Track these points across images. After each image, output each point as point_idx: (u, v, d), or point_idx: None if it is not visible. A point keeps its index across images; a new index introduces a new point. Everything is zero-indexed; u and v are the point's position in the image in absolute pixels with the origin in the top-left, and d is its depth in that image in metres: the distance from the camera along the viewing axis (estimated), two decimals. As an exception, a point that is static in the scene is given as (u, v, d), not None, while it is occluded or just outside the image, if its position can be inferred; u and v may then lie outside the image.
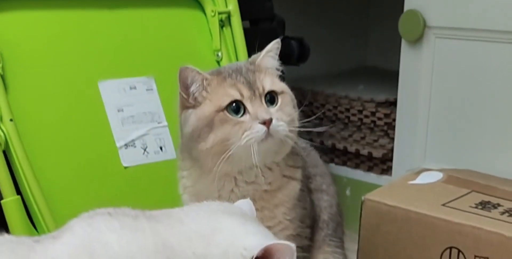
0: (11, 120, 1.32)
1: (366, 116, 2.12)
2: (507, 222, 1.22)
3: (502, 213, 1.26)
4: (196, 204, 0.95)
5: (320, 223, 1.25)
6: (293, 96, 1.17)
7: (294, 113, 1.15)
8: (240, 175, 1.14)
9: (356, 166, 2.16)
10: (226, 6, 1.68)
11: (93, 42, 1.51)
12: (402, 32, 1.75)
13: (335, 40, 2.56)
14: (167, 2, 1.65)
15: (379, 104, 2.09)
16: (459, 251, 1.23)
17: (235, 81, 1.11)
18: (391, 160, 1.92)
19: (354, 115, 2.15)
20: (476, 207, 1.29)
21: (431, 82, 1.72)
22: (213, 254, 0.81)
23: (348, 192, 2.14)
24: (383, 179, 2.03)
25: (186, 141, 1.15)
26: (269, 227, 1.13)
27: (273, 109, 1.11)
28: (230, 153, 1.08)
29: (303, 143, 1.22)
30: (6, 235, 0.86)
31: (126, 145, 1.49)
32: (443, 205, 1.31)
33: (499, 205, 1.31)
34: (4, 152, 1.31)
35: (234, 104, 1.09)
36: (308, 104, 2.18)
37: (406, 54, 1.76)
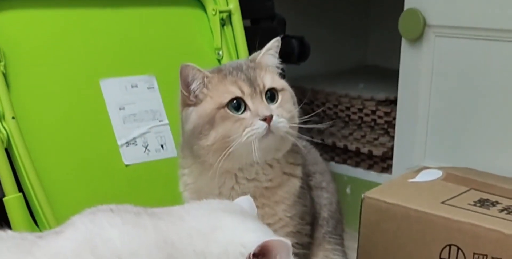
0: (13, 118, 1.33)
1: (367, 115, 2.12)
2: (506, 219, 1.23)
3: (501, 211, 1.27)
4: (197, 202, 0.96)
5: (320, 221, 1.26)
6: (293, 93, 1.18)
7: (294, 109, 1.16)
8: (240, 172, 1.15)
9: (357, 165, 2.17)
10: (227, 5, 1.68)
11: (95, 41, 1.52)
12: (402, 31, 1.75)
13: (335, 39, 2.56)
14: (168, 1, 1.65)
15: (379, 103, 2.10)
16: (458, 248, 1.24)
17: (235, 78, 1.12)
18: (391, 158, 1.93)
19: (354, 113, 2.15)
20: (475, 205, 1.30)
21: (431, 80, 1.73)
22: (213, 251, 0.82)
23: (348, 191, 2.14)
24: (383, 177, 2.04)
25: (187, 138, 1.16)
26: (269, 224, 1.14)
27: (273, 106, 1.12)
28: (231, 149, 1.08)
29: (303, 141, 1.22)
30: (9, 231, 0.86)
31: (127, 143, 1.50)
32: (442, 202, 1.31)
33: (497, 202, 1.31)
34: (6, 149, 1.31)
35: (235, 101, 1.10)
36: (308, 103, 2.19)
37: (406, 53, 1.77)
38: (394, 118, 1.89)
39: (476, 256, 1.22)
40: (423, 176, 1.46)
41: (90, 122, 1.47)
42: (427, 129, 1.76)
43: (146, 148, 1.52)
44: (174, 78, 1.14)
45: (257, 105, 1.10)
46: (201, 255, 0.82)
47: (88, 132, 1.46)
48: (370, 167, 2.13)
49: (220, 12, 1.66)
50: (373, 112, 2.10)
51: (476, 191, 1.38)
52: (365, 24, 2.67)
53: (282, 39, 1.20)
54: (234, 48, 1.67)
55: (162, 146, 1.54)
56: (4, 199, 1.30)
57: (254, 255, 0.80)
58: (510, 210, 1.27)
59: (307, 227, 1.21)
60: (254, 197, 1.12)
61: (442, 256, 1.26)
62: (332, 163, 2.21)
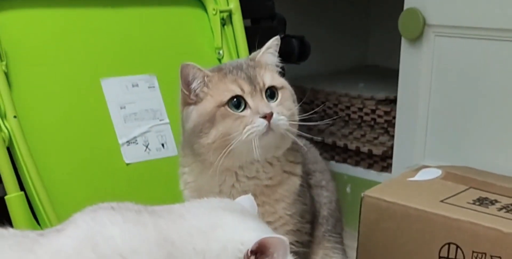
0: (15, 117, 1.33)
1: (366, 114, 2.13)
2: (505, 218, 1.23)
3: (500, 209, 1.27)
4: (197, 200, 0.96)
5: (320, 219, 1.26)
6: (293, 91, 1.19)
7: (294, 107, 1.16)
8: (241, 170, 1.15)
9: (357, 164, 2.17)
10: (228, 4, 1.69)
11: (96, 40, 1.52)
12: (402, 31, 1.75)
13: (335, 38, 2.56)
14: (169, 1, 1.66)
15: (379, 102, 2.10)
16: (457, 246, 1.24)
17: (235, 77, 1.13)
18: (391, 157, 1.93)
19: (354, 112, 2.16)
20: (474, 203, 1.30)
21: (431, 80, 1.73)
22: (212, 249, 0.82)
23: (348, 190, 2.15)
24: (383, 176, 2.04)
25: (188, 137, 1.16)
26: (269, 223, 1.15)
27: (273, 104, 1.13)
28: (231, 147, 1.09)
29: (302, 140, 1.23)
30: (10, 229, 0.87)
31: (128, 142, 1.51)
32: (442, 201, 1.32)
33: (496, 201, 1.32)
34: (8, 148, 1.32)
35: (235, 99, 1.11)
36: (309, 102, 2.19)
37: (406, 52, 1.77)
38: (394, 117, 1.89)
39: (475, 254, 1.22)
40: (423, 175, 1.47)
41: (91, 121, 1.48)
42: (427, 128, 1.76)
43: (147, 147, 1.53)
44: (175, 78, 1.14)
45: (257, 103, 1.11)
46: (201, 253, 0.82)
47: (89, 131, 1.47)
48: (370, 166, 2.14)
49: (221, 11, 1.67)
50: (373, 111, 2.11)
51: (475, 189, 1.38)
52: (365, 24, 2.67)
53: (282, 38, 1.20)
54: (234, 47, 1.68)
55: (162, 145, 1.55)
56: (5, 197, 1.31)
57: (252, 252, 0.81)
58: (509, 209, 1.28)
59: (307, 226, 1.22)
60: (255, 195, 1.13)
61: (441, 254, 1.26)
62: (332, 162, 2.21)
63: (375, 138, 2.12)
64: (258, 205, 1.00)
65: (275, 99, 1.14)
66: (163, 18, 1.64)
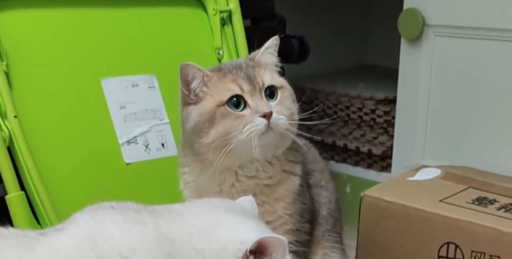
0: (15, 116, 1.34)
1: (366, 114, 2.13)
2: (504, 217, 1.24)
3: (499, 209, 1.28)
4: (198, 200, 0.96)
5: (320, 219, 1.27)
6: (292, 91, 1.19)
7: (294, 107, 1.17)
8: (241, 170, 1.15)
9: (356, 164, 2.17)
10: (228, 4, 1.69)
11: (96, 40, 1.53)
12: (402, 31, 1.75)
13: (335, 38, 2.57)
14: (169, 1, 1.66)
15: (379, 102, 2.10)
16: (456, 246, 1.25)
17: (235, 77, 1.13)
18: (390, 157, 1.93)
19: (354, 112, 2.16)
20: (473, 203, 1.31)
21: (430, 80, 1.73)
22: (212, 248, 0.83)
23: (348, 189, 2.15)
24: (382, 176, 2.04)
25: (188, 136, 1.16)
26: (269, 222, 1.15)
27: (273, 103, 1.13)
28: (231, 146, 1.09)
29: (302, 140, 1.23)
30: (11, 229, 0.87)
31: (128, 142, 1.51)
32: (441, 201, 1.32)
33: (495, 201, 1.32)
34: (8, 148, 1.32)
35: (234, 99, 1.11)
36: (308, 102, 2.20)
37: (406, 52, 1.77)
38: (394, 117, 1.90)
39: (474, 253, 1.22)
40: (422, 175, 1.47)
41: (91, 121, 1.48)
42: (426, 128, 1.76)
43: (146, 146, 1.53)
44: (175, 78, 1.15)
45: (257, 102, 1.11)
46: (201, 252, 0.83)
47: (89, 130, 1.47)
48: (369, 166, 2.14)
49: (221, 12, 1.67)
50: (373, 111, 2.11)
51: (474, 189, 1.39)
52: (365, 24, 2.67)
53: (282, 38, 1.21)
54: (234, 47, 1.68)
55: (162, 145, 1.55)
56: (6, 197, 1.31)
57: (251, 251, 0.81)
58: (508, 208, 1.28)
59: (307, 225, 1.22)
60: (254, 195, 1.13)
61: (440, 254, 1.27)
62: (332, 162, 2.22)
63: (375, 138, 2.12)
64: (257, 204, 1.00)
65: (274, 98, 1.14)
66: (163, 18, 1.64)
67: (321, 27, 2.49)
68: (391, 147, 1.96)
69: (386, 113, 2.08)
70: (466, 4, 1.63)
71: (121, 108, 1.52)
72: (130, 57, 1.57)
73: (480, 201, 1.32)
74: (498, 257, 1.19)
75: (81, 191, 1.42)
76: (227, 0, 1.69)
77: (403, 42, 1.77)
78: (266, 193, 1.18)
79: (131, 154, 1.51)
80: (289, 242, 1.17)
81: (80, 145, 1.45)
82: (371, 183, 1.68)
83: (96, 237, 0.81)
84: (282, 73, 1.21)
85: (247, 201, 0.97)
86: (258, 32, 1.66)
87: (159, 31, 1.63)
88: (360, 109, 2.14)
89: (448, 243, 1.26)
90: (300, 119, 1.18)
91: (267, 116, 1.09)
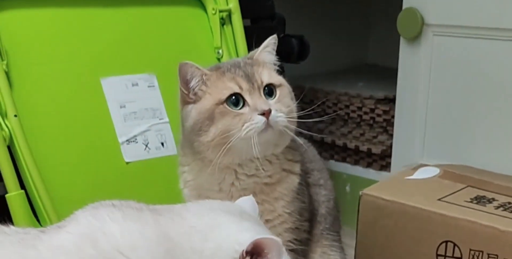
0: (15, 116, 1.34)
1: (366, 113, 2.13)
2: (502, 216, 1.24)
3: (497, 208, 1.28)
4: (198, 201, 0.97)
5: (318, 217, 1.27)
6: (291, 89, 1.19)
7: (293, 104, 1.17)
8: (240, 168, 1.16)
9: (356, 162, 2.18)
10: (227, 4, 1.69)
11: (95, 40, 1.53)
12: (401, 30, 1.75)
13: (335, 38, 2.57)
14: (169, 0, 1.67)
15: (378, 101, 2.11)
16: (454, 244, 1.25)
17: (233, 75, 1.13)
18: (390, 156, 1.93)
19: (353, 111, 2.17)
20: (471, 202, 1.31)
21: (429, 79, 1.74)
22: (209, 248, 0.83)
23: (348, 188, 2.15)
24: (382, 175, 2.05)
25: (188, 135, 1.17)
26: (268, 221, 1.16)
27: (271, 101, 1.14)
28: (230, 144, 1.10)
29: (301, 139, 1.24)
30: (12, 227, 0.88)
31: (128, 141, 1.52)
32: (439, 199, 1.32)
33: (494, 199, 1.32)
34: (8, 147, 1.33)
35: (233, 97, 1.12)
36: (308, 102, 2.20)
37: (405, 52, 1.77)
38: (393, 116, 1.90)
39: (472, 252, 1.23)
40: (420, 174, 1.48)
41: (91, 120, 1.48)
42: (426, 127, 1.76)
43: (146, 145, 1.54)
44: (174, 77, 1.15)
45: (256, 100, 1.11)
46: (198, 251, 0.83)
47: (89, 130, 1.48)
48: (369, 165, 2.15)
49: (220, 11, 1.68)
50: (372, 110, 2.12)
51: (472, 188, 1.39)
52: (365, 23, 2.68)
53: (282, 38, 1.21)
54: (233, 47, 1.68)
55: (162, 144, 1.56)
56: (6, 196, 1.32)
57: (247, 252, 0.82)
58: (506, 207, 1.28)
59: (306, 224, 1.23)
60: (254, 193, 1.14)
61: (438, 252, 1.27)
62: (332, 161, 2.22)
63: (374, 137, 2.13)
64: (257, 203, 1.00)
65: (273, 96, 1.15)
66: (162, 17, 1.65)
67: (321, 26, 2.49)
68: (390, 146, 1.96)
69: (385, 112, 2.08)
70: (465, 4, 1.63)
71: (121, 107, 1.52)
72: (130, 56, 1.58)
73: (479, 200, 1.32)
74: (496, 255, 1.20)
75: (81, 190, 1.43)
76: (226, -1, 1.70)
77: (402, 42, 1.77)
78: (265, 191, 1.18)
79: (131, 153, 1.51)
80: (288, 241, 1.19)
81: (80, 144, 1.46)
82: (370, 182, 1.69)
83: (96, 234, 0.82)
84: (280, 72, 1.21)
85: (247, 201, 0.97)
86: (257, 31, 1.66)
87: (159, 31, 1.63)
88: (359, 108, 2.15)
89: (446, 242, 1.26)
90: (300, 118, 1.18)
91: (266, 114, 1.10)
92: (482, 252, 1.22)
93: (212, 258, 0.83)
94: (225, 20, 1.69)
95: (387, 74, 2.07)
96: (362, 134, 2.16)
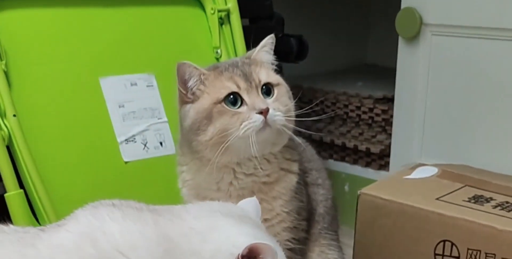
0: (14, 115, 1.34)
1: (364, 112, 2.14)
2: (499, 215, 1.24)
3: (495, 207, 1.28)
4: (199, 203, 0.98)
5: (316, 217, 1.27)
6: (289, 88, 1.20)
7: (290, 103, 1.17)
8: (238, 167, 1.16)
9: (354, 162, 2.18)
10: (226, 4, 1.70)
11: (94, 39, 1.53)
12: (399, 30, 1.76)
13: (334, 37, 2.57)
14: (167, 0, 1.67)
15: (377, 101, 2.11)
16: (452, 244, 1.25)
17: (231, 74, 1.14)
18: (388, 155, 1.94)
19: (352, 111, 2.17)
20: (469, 201, 1.31)
21: (428, 78, 1.74)
22: (207, 249, 0.84)
23: (346, 188, 2.16)
24: (381, 175, 2.05)
25: (186, 135, 1.17)
26: (267, 220, 1.16)
27: (269, 100, 1.14)
28: (228, 143, 1.10)
29: (300, 139, 1.24)
30: (11, 226, 0.88)
31: (126, 140, 1.52)
32: (437, 199, 1.32)
33: (491, 199, 1.33)
34: (7, 147, 1.33)
35: (231, 96, 1.12)
36: (307, 101, 2.20)
37: (403, 51, 1.78)
38: (392, 116, 1.90)
39: (470, 251, 1.23)
40: (419, 173, 1.48)
41: (90, 119, 1.49)
42: (424, 126, 1.77)
43: (145, 145, 1.54)
44: (173, 77, 1.15)
45: (253, 99, 1.12)
46: (196, 252, 0.84)
47: (88, 129, 1.48)
48: (368, 165, 2.15)
49: (219, 11, 1.68)
50: (371, 110, 2.12)
51: (470, 187, 1.39)
52: (364, 23, 2.68)
53: (280, 38, 1.22)
54: (232, 46, 1.68)
55: (161, 143, 1.56)
56: (5, 195, 1.32)
57: (243, 256, 0.82)
58: (503, 206, 1.29)
59: (304, 223, 1.23)
60: (252, 192, 1.15)
61: (436, 252, 1.27)
62: (331, 160, 2.23)
63: (373, 137, 2.13)
64: (256, 202, 1.01)
65: (271, 95, 1.15)
66: (161, 17, 1.65)
67: (320, 26, 2.49)
68: (389, 146, 1.96)
69: (384, 111, 2.08)
70: (463, 3, 1.63)
71: (119, 107, 1.53)
72: (128, 56, 1.58)
73: (477, 199, 1.33)
74: (494, 254, 1.20)
75: (80, 190, 1.43)
76: (225, -1, 1.70)
77: (400, 41, 1.78)
78: (264, 191, 1.18)
79: (129, 153, 1.51)
80: (286, 240, 1.19)
81: (79, 144, 1.46)
82: (369, 182, 1.69)
83: (96, 233, 0.82)
84: (278, 71, 1.21)
85: (250, 202, 0.97)
86: (256, 31, 1.66)
87: (158, 30, 1.64)
88: (358, 108, 2.15)
89: (444, 241, 1.26)
90: (299, 117, 1.19)
91: (264, 112, 1.10)
92: (480, 251, 1.22)
93: None
94: (224, 20, 1.69)
95: (386, 74, 2.07)
96: (361, 134, 2.16)
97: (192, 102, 1.15)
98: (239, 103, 1.12)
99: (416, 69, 1.75)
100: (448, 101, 1.71)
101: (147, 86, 1.58)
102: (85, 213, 0.86)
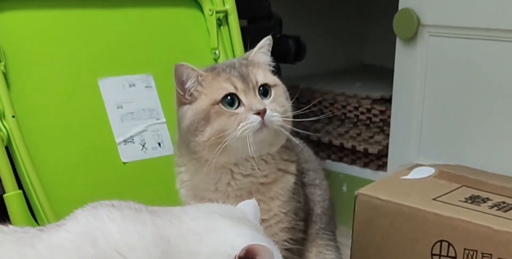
0: (13, 116, 1.35)
1: (362, 113, 2.14)
2: (496, 215, 1.25)
3: (491, 207, 1.29)
4: (198, 205, 0.98)
5: (314, 217, 1.28)
6: (286, 89, 1.20)
7: (288, 104, 1.18)
8: (236, 168, 1.16)
9: (352, 162, 2.18)
10: (224, 5, 1.70)
11: (93, 40, 1.54)
12: (397, 30, 1.76)
13: (332, 38, 2.58)
14: (166, 1, 1.67)
15: (375, 101, 2.11)
16: (449, 244, 1.26)
17: (229, 75, 1.14)
18: (386, 156, 1.94)
19: (350, 111, 2.17)
20: (466, 201, 1.32)
21: (425, 79, 1.74)
22: (204, 251, 0.84)
23: (344, 188, 2.16)
24: (378, 175, 2.05)
25: (184, 136, 1.17)
26: (264, 220, 1.16)
27: (267, 101, 1.14)
28: (226, 144, 1.10)
29: (297, 140, 1.24)
30: (10, 226, 0.88)
31: (125, 141, 1.52)
32: (434, 199, 1.33)
33: (488, 199, 1.33)
34: (6, 147, 1.33)
35: (228, 97, 1.12)
36: (305, 102, 2.21)
37: (401, 52, 1.78)
38: (389, 117, 1.90)
39: (466, 251, 1.23)
40: (416, 173, 1.48)
41: (89, 120, 1.49)
42: (422, 127, 1.77)
43: (143, 146, 1.54)
44: (171, 77, 1.16)
45: (251, 100, 1.12)
46: (194, 253, 0.84)
47: (86, 130, 1.48)
48: (365, 165, 2.15)
49: (217, 12, 1.68)
50: (369, 110, 2.12)
51: (467, 188, 1.40)
52: (362, 24, 2.68)
53: (278, 39, 1.22)
54: (230, 48, 1.69)
55: (159, 144, 1.56)
56: (4, 196, 1.32)
57: (240, 258, 0.82)
58: (500, 207, 1.29)
59: (301, 223, 1.23)
60: (250, 193, 1.15)
61: (433, 252, 1.28)
62: (329, 161, 2.23)
63: (371, 137, 2.13)
64: (253, 203, 1.01)
65: (268, 96, 1.16)
66: (159, 18, 1.65)
67: (318, 27, 2.50)
68: (387, 146, 1.96)
69: (382, 112, 2.09)
70: (461, 4, 1.64)
71: (118, 107, 1.53)
72: (127, 57, 1.58)
73: (473, 199, 1.33)
74: (490, 255, 1.21)
75: (79, 190, 1.44)
76: (223, 0, 1.70)
77: (398, 42, 1.78)
78: (261, 191, 1.19)
79: (128, 153, 1.52)
80: (284, 240, 1.19)
81: (77, 145, 1.46)
82: (367, 182, 1.69)
83: (95, 233, 0.82)
84: (275, 73, 1.22)
85: (249, 204, 0.97)
86: (254, 32, 1.67)
87: (156, 31, 1.64)
88: (356, 108, 2.15)
89: (441, 241, 1.27)
90: (296, 118, 1.19)
91: (261, 113, 1.10)
92: (476, 251, 1.22)
93: None
94: (222, 21, 1.70)
95: (384, 74, 2.07)
96: (358, 134, 2.16)
97: (190, 103, 1.15)
98: (236, 104, 1.12)
99: (414, 69, 1.75)
100: (446, 102, 1.71)
101: (146, 87, 1.58)
102: (85, 213, 0.86)
